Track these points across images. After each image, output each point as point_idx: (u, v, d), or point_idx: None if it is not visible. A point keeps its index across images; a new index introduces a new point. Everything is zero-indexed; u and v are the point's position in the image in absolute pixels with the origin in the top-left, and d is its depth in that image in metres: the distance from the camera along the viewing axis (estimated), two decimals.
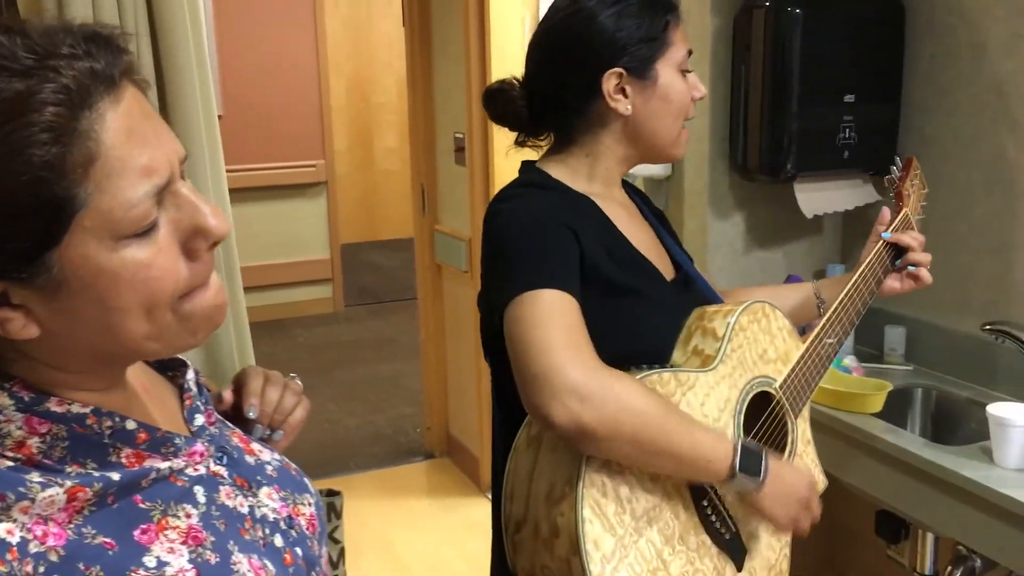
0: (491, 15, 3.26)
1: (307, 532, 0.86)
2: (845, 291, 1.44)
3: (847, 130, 2.18)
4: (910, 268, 1.51)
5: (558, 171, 1.33)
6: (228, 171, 2.47)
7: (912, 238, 1.51)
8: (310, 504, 0.88)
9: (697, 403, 1.21)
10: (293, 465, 0.91)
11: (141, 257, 0.68)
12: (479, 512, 3.48)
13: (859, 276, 1.46)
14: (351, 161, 6.84)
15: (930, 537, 1.97)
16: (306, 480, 0.91)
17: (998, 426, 1.69)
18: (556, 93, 1.31)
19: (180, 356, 0.90)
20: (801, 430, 1.37)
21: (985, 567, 1.84)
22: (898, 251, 1.51)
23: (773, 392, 1.32)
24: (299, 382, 1.02)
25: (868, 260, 1.49)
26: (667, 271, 1.36)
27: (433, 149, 3.80)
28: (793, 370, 1.34)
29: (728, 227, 2.36)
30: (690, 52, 1.34)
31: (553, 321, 1.12)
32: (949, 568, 1.85)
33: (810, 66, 2.11)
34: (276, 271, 5.83)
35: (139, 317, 0.70)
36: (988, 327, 1.88)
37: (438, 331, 3.90)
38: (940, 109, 2.16)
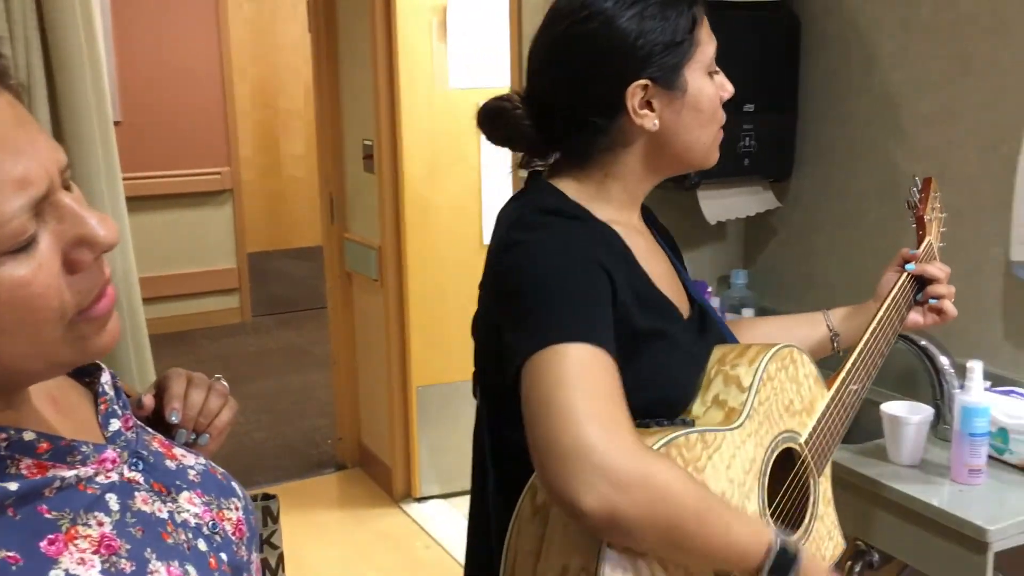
0: (398, 20, 3.25)
1: (233, 537, 0.83)
2: (870, 330, 1.32)
3: (747, 138, 2.24)
4: (931, 301, 1.41)
5: (575, 192, 1.16)
6: (129, 179, 2.40)
7: (939, 269, 1.41)
8: (237, 509, 0.86)
9: (723, 466, 1.08)
10: (220, 469, 0.89)
11: (20, 275, 0.65)
12: (391, 523, 3.44)
13: (884, 313, 1.34)
14: (257, 168, 6.71)
15: None
16: (234, 484, 0.89)
17: (891, 424, 1.75)
18: (571, 111, 1.15)
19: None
20: (823, 489, 1.25)
21: (882, 561, 1.90)
22: (920, 283, 1.41)
23: (798, 449, 1.19)
24: (224, 383, 0.99)
25: (892, 295, 1.37)
26: (683, 307, 1.22)
27: (341, 156, 3.75)
28: (818, 423, 1.22)
29: None
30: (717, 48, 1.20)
31: (585, 385, 0.96)
32: (848, 563, 1.91)
33: None
34: (181, 281, 5.68)
35: (21, 338, 0.66)
36: None
37: (348, 341, 3.86)
38: (834, 119, 2.23)
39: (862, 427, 2.09)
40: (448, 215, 3.41)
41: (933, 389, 1.89)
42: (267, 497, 1.08)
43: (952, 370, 1.87)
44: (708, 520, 0.99)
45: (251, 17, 6.50)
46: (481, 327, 1.18)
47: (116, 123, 4.75)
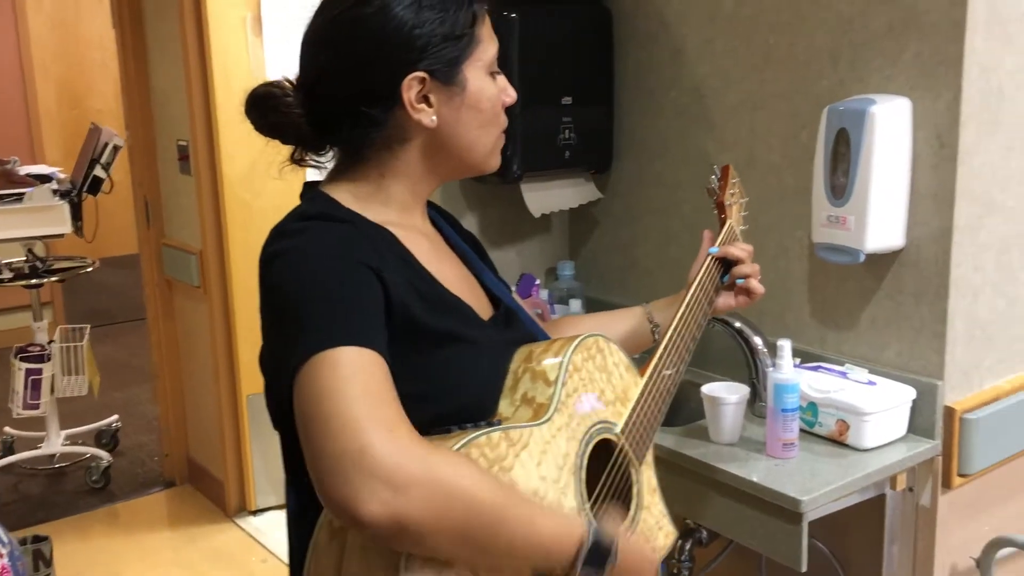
0: (209, 14, 3.10)
1: None
2: (678, 316, 1.34)
3: (567, 131, 2.26)
4: (738, 282, 1.44)
5: (348, 197, 1.13)
6: None
7: (740, 250, 1.44)
8: (2, 556, 0.77)
9: (533, 464, 1.04)
10: None
11: None
12: (225, 539, 3.30)
13: (691, 297, 1.37)
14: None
15: None
16: None
17: (711, 404, 1.81)
18: (344, 102, 1.10)
19: None
20: (646, 478, 1.23)
21: (710, 538, 1.97)
22: (727, 265, 1.44)
23: (615, 439, 1.17)
24: None
25: (698, 279, 1.40)
26: (483, 309, 1.19)
27: (154, 157, 3.57)
28: (633, 411, 1.20)
29: None
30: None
31: (355, 387, 0.91)
32: (679, 542, 1.97)
33: (529, 69, 2.17)
34: None
35: None
36: None
37: (171, 351, 3.67)
38: (648, 111, 2.29)
39: (686, 409, 2.16)
40: (272, 216, 3.21)
41: (749, 369, 1.97)
42: (38, 539, 0.99)
43: (765, 349, 1.95)
44: (508, 516, 0.95)
45: (52, 12, 6.06)
46: (266, 358, 1.09)
47: None
